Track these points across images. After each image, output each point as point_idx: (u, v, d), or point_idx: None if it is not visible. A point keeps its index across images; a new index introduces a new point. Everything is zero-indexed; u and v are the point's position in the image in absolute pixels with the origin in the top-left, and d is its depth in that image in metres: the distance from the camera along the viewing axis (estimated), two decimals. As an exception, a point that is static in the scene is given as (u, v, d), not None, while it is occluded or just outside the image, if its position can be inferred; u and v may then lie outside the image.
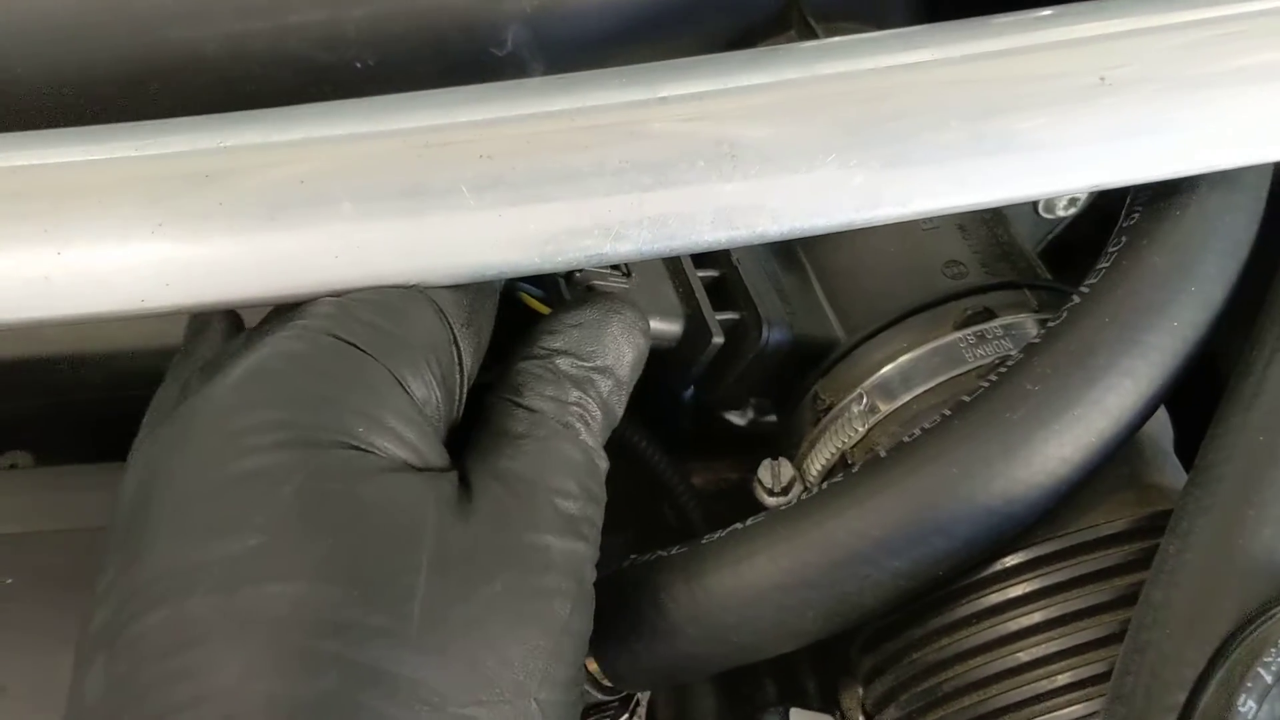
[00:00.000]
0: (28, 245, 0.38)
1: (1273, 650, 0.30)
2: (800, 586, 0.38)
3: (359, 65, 0.48)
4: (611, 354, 0.38)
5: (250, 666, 0.30)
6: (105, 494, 0.51)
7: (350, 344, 0.35)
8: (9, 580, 0.48)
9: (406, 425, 0.34)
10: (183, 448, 0.34)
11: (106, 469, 0.54)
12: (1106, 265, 0.40)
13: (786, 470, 0.44)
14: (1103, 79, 0.40)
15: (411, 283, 0.39)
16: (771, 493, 0.44)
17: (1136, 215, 0.41)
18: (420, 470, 0.34)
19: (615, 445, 0.40)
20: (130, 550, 0.33)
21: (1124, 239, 0.40)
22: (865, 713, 0.43)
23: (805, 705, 0.48)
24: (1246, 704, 0.30)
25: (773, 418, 0.52)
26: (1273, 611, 0.31)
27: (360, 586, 0.31)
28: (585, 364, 0.38)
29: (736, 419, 0.53)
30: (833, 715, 0.47)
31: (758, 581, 0.38)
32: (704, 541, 0.40)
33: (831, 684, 0.49)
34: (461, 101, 0.40)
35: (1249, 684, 0.30)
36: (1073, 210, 0.55)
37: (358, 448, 0.33)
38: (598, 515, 0.36)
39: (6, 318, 0.39)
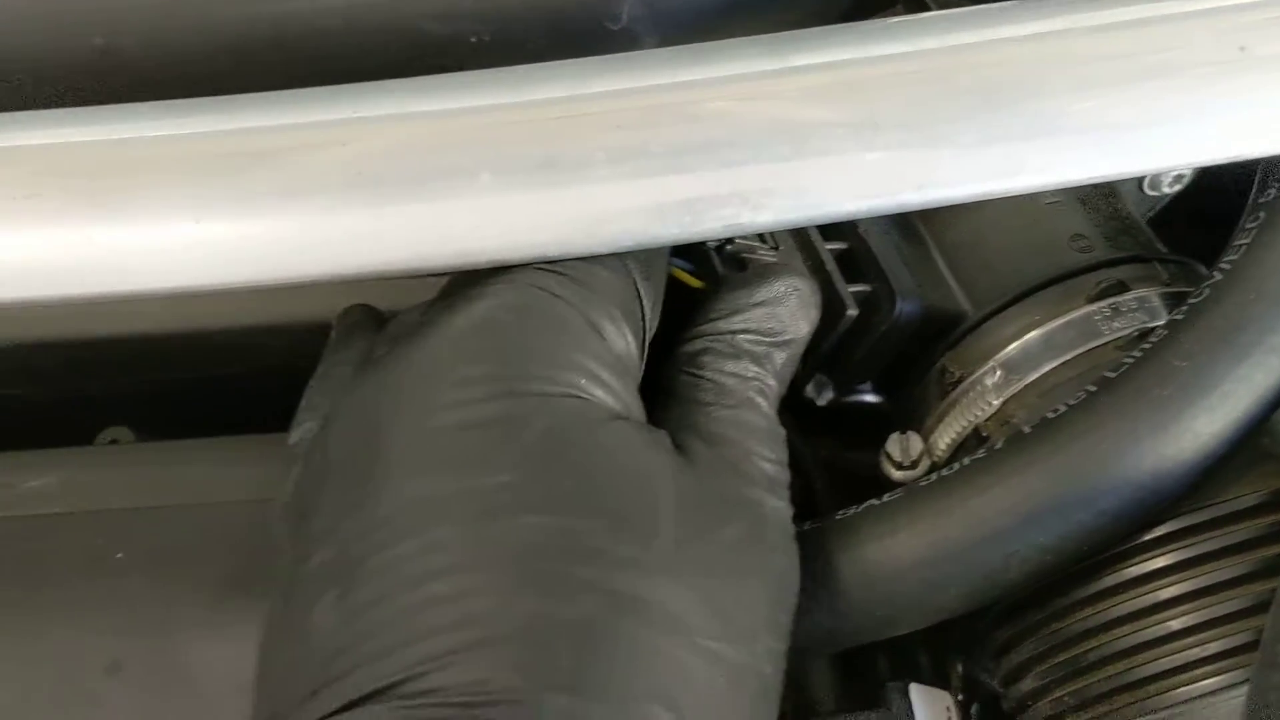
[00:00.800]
0: (167, 217, 0.38)
1: None
2: (944, 562, 0.38)
3: (473, 40, 0.48)
4: (791, 330, 0.39)
5: (510, 591, 0.30)
6: (206, 469, 0.52)
7: (558, 297, 0.35)
8: (119, 555, 0.48)
9: (615, 378, 0.35)
10: (409, 395, 0.34)
11: (205, 444, 0.54)
12: (1247, 241, 0.39)
13: (916, 444, 0.43)
14: (1243, 49, 0.40)
15: (551, 254, 0.39)
16: (900, 466, 0.43)
17: (1273, 191, 0.41)
18: (636, 422, 0.35)
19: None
20: (359, 490, 0.33)
21: (1262, 214, 0.40)
22: (990, 688, 0.43)
23: (918, 679, 0.48)
24: None
25: (854, 398, 0.52)
26: None
27: (610, 519, 0.32)
28: (766, 340, 0.38)
29: (814, 396, 0.53)
30: (947, 690, 0.47)
31: (902, 557, 0.38)
32: (839, 517, 0.40)
33: (942, 658, 0.49)
34: (593, 72, 0.40)
35: None
36: (1177, 187, 0.54)
37: (584, 398, 0.34)
38: (788, 480, 0.37)
39: (147, 286, 0.39)
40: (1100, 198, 0.47)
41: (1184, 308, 0.39)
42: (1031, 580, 0.38)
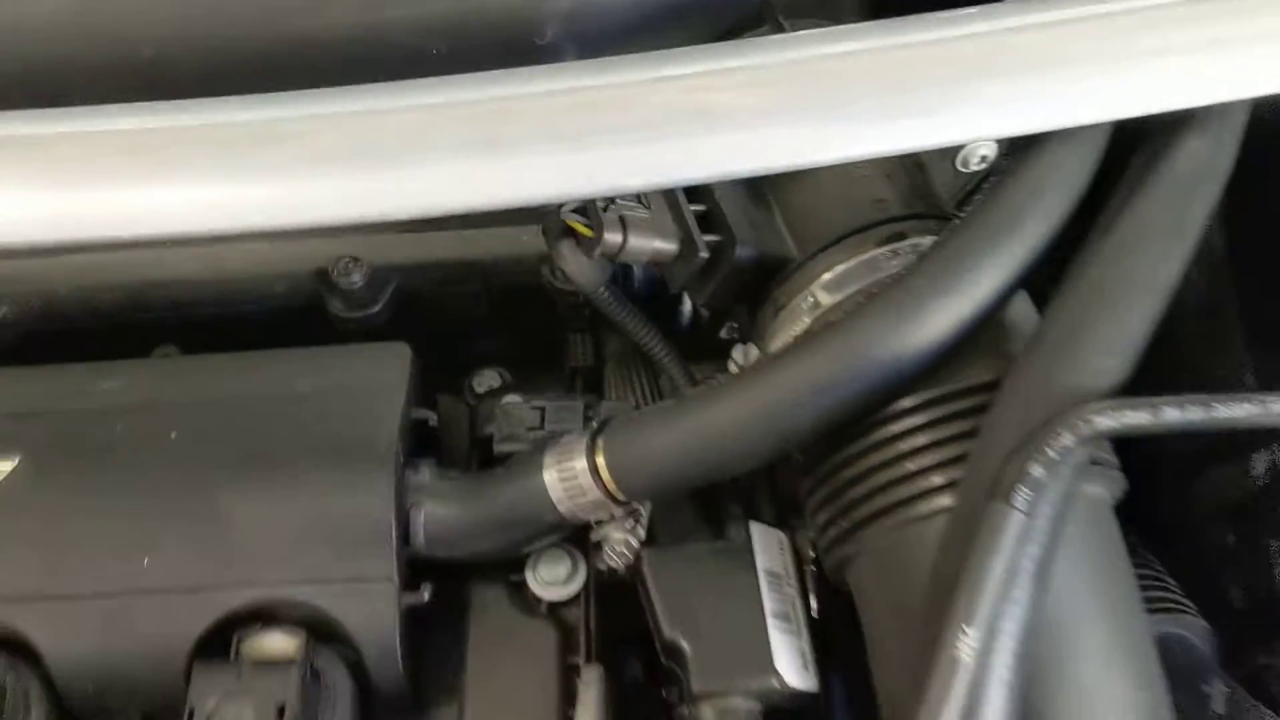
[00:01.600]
0: (204, 180, 0.54)
1: (1051, 441, 0.47)
2: (757, 419, 0.54)
3: (434, 51, 0.64)
4: None
5: None
6: (236, 373, 0.68)
7: None
8: (173, 435, 0.64)
9: None
10: None
11: (233, 356, 0.69)
12: (981, 197, 0.56)
13: (754, 353, 0.60)
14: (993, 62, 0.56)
15: (490, 205, 0.55)
16: (742, 369, 0.60)
17: (1005, 163, 0.57)
18: None
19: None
20: None
21: (994, 178, 0.57)
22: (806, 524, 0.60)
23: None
24: (1035, 469, 0.46)
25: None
26: (1054, 421, 0.47)
27: None
28: None
29: (725, 334, 0.69)
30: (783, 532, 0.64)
31: (731, 417, 0.54)
32: (689, 394, 0.57)
33: (782, 513, 0.66)
34: (526, 79, 0.56)
35: (1036, 458, 0.46)
36: (984, 166, 0.70)
37: None
38: None
39: (190, 230, 0.55)
40: (903, 172, 0.64)
41: (934, 242, 0.55)
42: (818, 433, 0.54)
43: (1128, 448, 0.55)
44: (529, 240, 0.74)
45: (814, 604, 0.63)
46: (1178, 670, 0.56)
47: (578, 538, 0.64)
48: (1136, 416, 0.48)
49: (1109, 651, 0.51)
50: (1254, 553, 0.74)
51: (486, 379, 0.76)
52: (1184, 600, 0.69)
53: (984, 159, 0.70)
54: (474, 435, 0.69)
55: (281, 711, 0.55)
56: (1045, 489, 0.46)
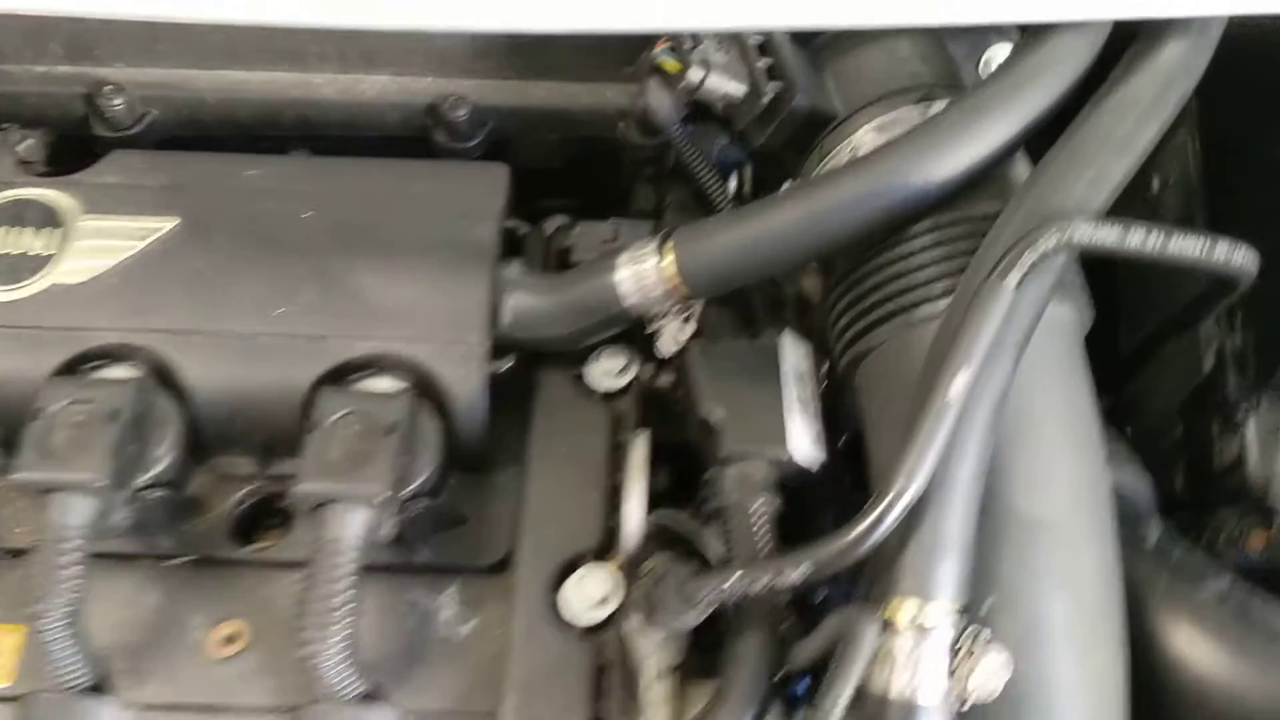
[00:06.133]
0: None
1: (1041, 240, 0.59)
2: (805, 223, 0.67)
3: None
4: None
5: None
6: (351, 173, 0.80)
7: None
8: (305, 214, 0.77)
9: None
10: None
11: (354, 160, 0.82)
12: (997, 69, 0.68)
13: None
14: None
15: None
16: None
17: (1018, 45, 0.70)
18: None
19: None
20: None
21: (1008, 58, 0.69)
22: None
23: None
24: (1027, 258, 0.59)
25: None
26: (1045, 226, 0.60)
27: None
28: None
29: None
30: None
31: (783, 221, 0.68)
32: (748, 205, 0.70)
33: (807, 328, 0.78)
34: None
35: (1028, 250, 0.59)
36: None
37: None
38: None
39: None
40: (936, 58, 0.76)
41: (951, 100, 0.68)
42: (851, 239, 0.67)
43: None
44: (611, 96, 0.86)
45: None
46: (1121, 517, 0.69)
47: (634, 338, 0.77)
48: (1109, 233, 0.60)
49: (1062, 436, 0.64)
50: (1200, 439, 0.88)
51: (556, 223, 0.88)
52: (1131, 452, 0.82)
53: (1001, 65, 0.83)
54: (553, 249, 0.81)
55: (391, 430, 0.67)
56: (1032, 278, 0.59)
